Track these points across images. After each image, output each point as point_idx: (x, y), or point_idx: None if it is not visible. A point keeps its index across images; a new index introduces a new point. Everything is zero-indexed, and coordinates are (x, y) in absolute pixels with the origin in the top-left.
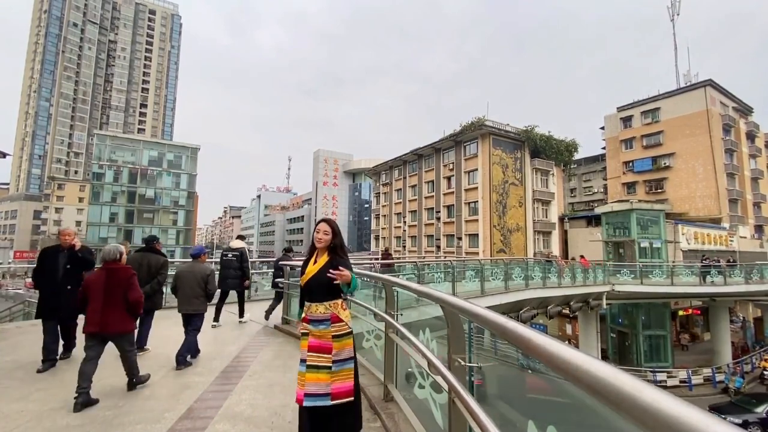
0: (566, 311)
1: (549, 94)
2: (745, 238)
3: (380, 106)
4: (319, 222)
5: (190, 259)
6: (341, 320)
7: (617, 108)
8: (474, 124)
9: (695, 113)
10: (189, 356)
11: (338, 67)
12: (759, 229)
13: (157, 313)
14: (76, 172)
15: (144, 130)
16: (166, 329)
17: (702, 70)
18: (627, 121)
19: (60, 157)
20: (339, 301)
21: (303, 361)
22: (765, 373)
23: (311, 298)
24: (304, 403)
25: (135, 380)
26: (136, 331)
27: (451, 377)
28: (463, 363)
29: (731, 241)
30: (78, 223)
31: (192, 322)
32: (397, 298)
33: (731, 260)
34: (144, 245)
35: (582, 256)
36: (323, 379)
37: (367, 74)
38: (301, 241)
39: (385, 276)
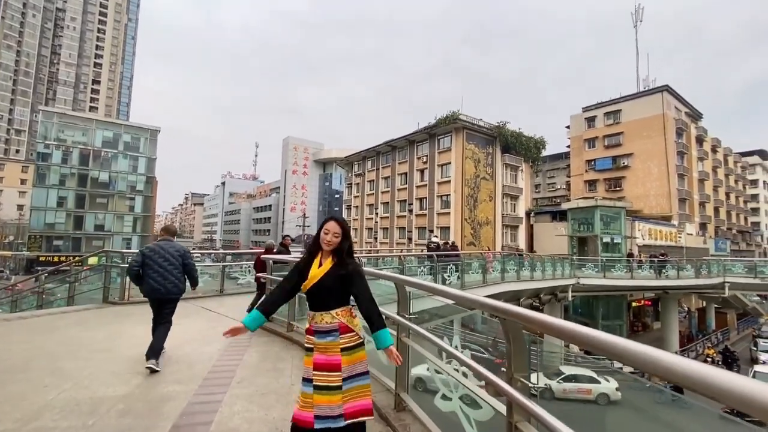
0: (536, 303)
1: (516, 93)
2: (691, 234)
3: (352, 97)
4: (329, 220)
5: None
6: (351, 330)
7: (582, 108)
8: (449, 118)
9: (652, 116)
10: None
11: (310, 54)
12: (703, 226)
13: (116, 309)
14: (17, 150)
15: (96, 108)
16: (130, 328)
17: (659, 76)
18: (591, 121)
19: None
20: (347, 308)
21: (308, 380)
22: (708, 360)
23: (315, 306)
24: (316, 426)
25: None
26: None
27: (521, 398)
28: (526, 383)
29: (680, 237)
30: (20, 207)
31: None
32: (409, 298)
33: (663, 254)
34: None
35: (518, 248)
36: (334, 401)
37: (339, 64)
38: (268, 231)
39: (401, 276)
